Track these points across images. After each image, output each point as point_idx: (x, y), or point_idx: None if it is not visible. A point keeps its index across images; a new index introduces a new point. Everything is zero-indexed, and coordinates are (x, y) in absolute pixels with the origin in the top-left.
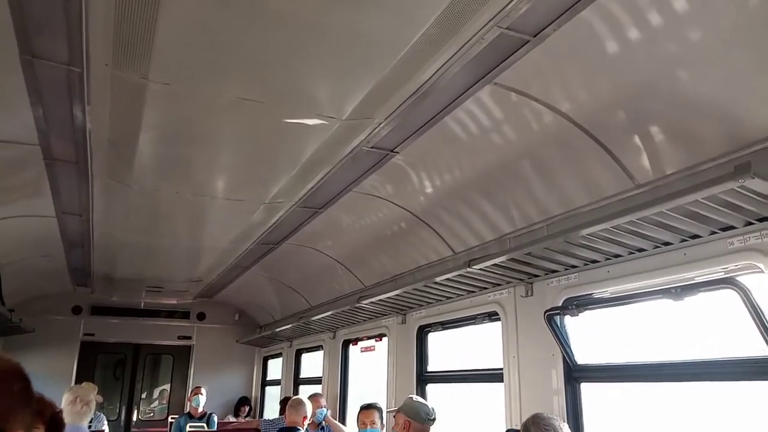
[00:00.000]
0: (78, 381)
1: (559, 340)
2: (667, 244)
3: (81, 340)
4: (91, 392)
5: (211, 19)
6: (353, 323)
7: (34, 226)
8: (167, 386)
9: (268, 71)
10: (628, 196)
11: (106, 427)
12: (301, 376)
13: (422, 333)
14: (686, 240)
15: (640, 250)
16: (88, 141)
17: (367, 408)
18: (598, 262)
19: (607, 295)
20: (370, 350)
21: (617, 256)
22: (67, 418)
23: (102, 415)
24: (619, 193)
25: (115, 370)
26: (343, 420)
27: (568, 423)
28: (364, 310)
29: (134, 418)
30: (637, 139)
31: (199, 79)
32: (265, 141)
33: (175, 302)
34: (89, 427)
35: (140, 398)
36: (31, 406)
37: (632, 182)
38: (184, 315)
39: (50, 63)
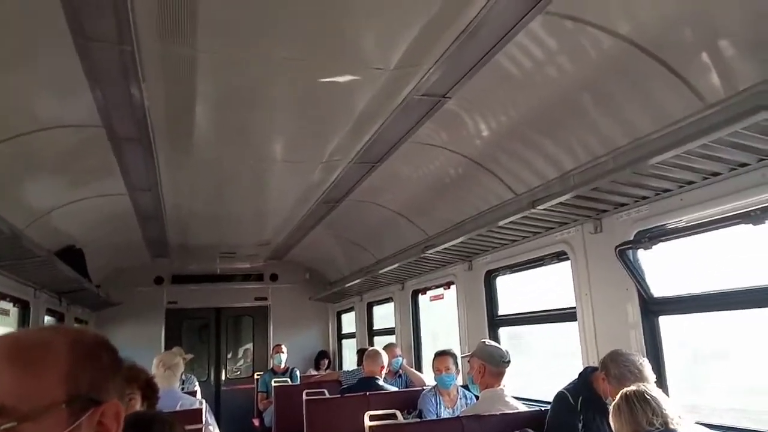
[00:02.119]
0: (167, 347)
1: (633, 274)
2: (743, 165)
3: (166, 308)
4: (175, 357)
5: None
6: (420, 273)
7: (108, 205)
8: (250, 345)
9: (311, 28)
10: (699, 117)
11: (197, 388)
12: (374, 328)
13: (490, 278)
14: (764, 159)
15: (715, 174)
16: (147, 117)
17: (442, 354)
18: (670, 190)
19: (681, 224)
20: (439, 298)
21: (690, 182)
22: (158, 383)
23: (193, 376)
24: (688, 115)
25: (200, 333)
26: (418, 367)
27: (647, 357)
28: (429, 259)
29: (223, 377)
30: (705, 56)
31: (244, 43)
32: (316, 100)
33: (248, 266)
34: (182, 389)
35: (226, 358)
36: (121, 375)
37: (702, 103)
38: (258, 277)
39: (102, 44)
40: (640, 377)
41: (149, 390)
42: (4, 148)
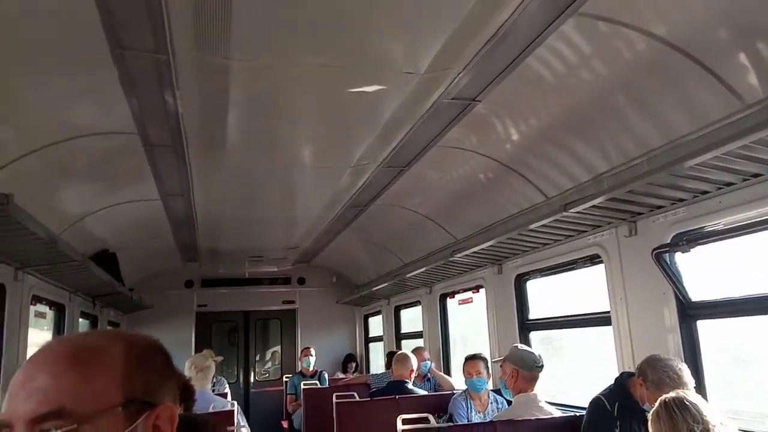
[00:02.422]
0: (197, 349)
1: (670, 277)
2: None
3: (196, 312)
4: (207, 359)
5: None
6: (448, 277)
7: (141, 210)
8: (278, 348)
9: (342, 35)
10: (738, 118)
11: (227, 389)
12: (402, 332)
13: (520, 281)
14: None
15: (756, 175)
16: (181, 124)
17: (472, 359)
18: (708, 192)
19: (720, 227)
20: (468, 302)
21: (729, 184)
22: None
23: (223, 378)
24: (727, 116)
25: (230, 336)
26: (447, 371)
27: (685, 362)
28: (458, 263)
29: (251, 380)
30: (742, 56)
31: (276, 51)
32: (345, 105)
33: (276, 269)
34: (212, 391)
35: (255, 361)
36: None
37: (740, 102)
38: (286, 281)
39: (138, 53)
40: (678, 383)
41: (186, 393)
42: (42, 156)
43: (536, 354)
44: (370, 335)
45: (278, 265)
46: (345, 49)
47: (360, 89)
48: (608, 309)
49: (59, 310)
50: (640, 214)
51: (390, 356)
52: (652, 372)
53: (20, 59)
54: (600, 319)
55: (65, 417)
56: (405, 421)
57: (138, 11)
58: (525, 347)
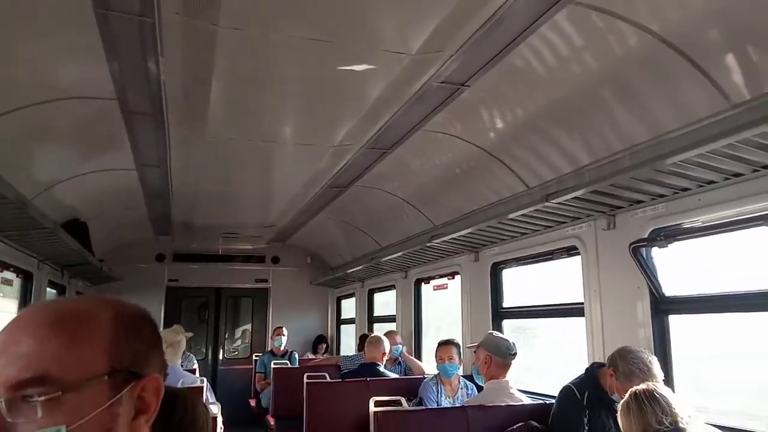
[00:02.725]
0: (167, 324)
1: (646, 272)
2: (766, 167)
3: (166, 286)
4: (177, 334)
5: None
6: (424, 262)
7: (115, 179)
8: (248, 326)
9: (335, 10)
10: (724, 117)
11: (196, 365)
12: (374, 315)
13: (496, 269)
14: None
15: (737, 174)
16: (162, 92)
17: (445, 344)
18: (689, 189)
19: (698, 224)
20: (443, 288)
21: (711, 182)
22: None
23: (191, 354)
24: (713, 114)
25: (200, 312)
26: (418, 356)
27: (655, 355)
28: (435, 249)
29: (220, 357)
30: (732, 57)
31: (266, 21)
32: (333, 83)
33: (250, 247)
34: (181, 366)
35: (224, 338)
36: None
37: (727, 102)
38: (260, 259)
39: (123, 15)
40: (648, 375)
41: None
42: (18, 117)
43: (510, 342)
44: (342, 317)
45: (253, 243)
46: (336, 25)
47: (349, 67)
48: (582, 300)
49: (26, 278)
50: (619, 207)
51: (362, 339)
52: (623, 363)
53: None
54: (573, 311)
55: (49, 384)
56: (377, 403)
57: None
58: (499, 334)
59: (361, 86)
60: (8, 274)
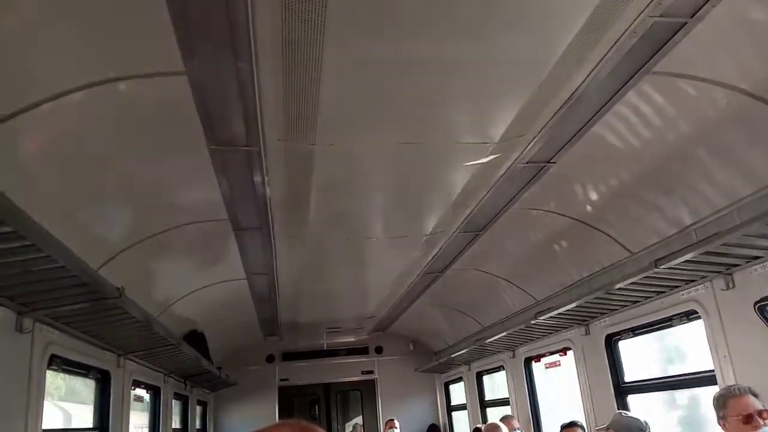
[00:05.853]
0: None
1: None
2: None
3: (278, 386)
4: None
5: (364, 77)
6: (531, 340)
7: (228, 289)
8: (359, 419)
9: (418, 114)
10: None
11: None
12: (486, 399)
13: (611, 342)
14: None
15: None
16: (268, 207)
17: (569, 426)
18: None
19: None
20: (556, 365)
21: None
22: None
23: None
24: None
25: (311, 409)
26: None
27: None
28: (540, 325)
29: None
30: None
31: (358, 133)
32: (421, 178)
33: (353, 339)
34: None
35: None
36: None
37: None
38: (363, 351)
39: (233, 148)
40: None
41: None
42: (147, 245)
43: (641, 420)
44: (453, 403)
45: (355, 335)
46: (422, 127)
47: (436, 162)
48: (712, 368)
49: (155, 392)
50: (735, 265)
51: None
52: None
53: (131, 142)
54: (703, 380)
55: None
56: None
57: (234, 110)
58: (628, 413)
59: (449, 177)
60: (140, 391)
